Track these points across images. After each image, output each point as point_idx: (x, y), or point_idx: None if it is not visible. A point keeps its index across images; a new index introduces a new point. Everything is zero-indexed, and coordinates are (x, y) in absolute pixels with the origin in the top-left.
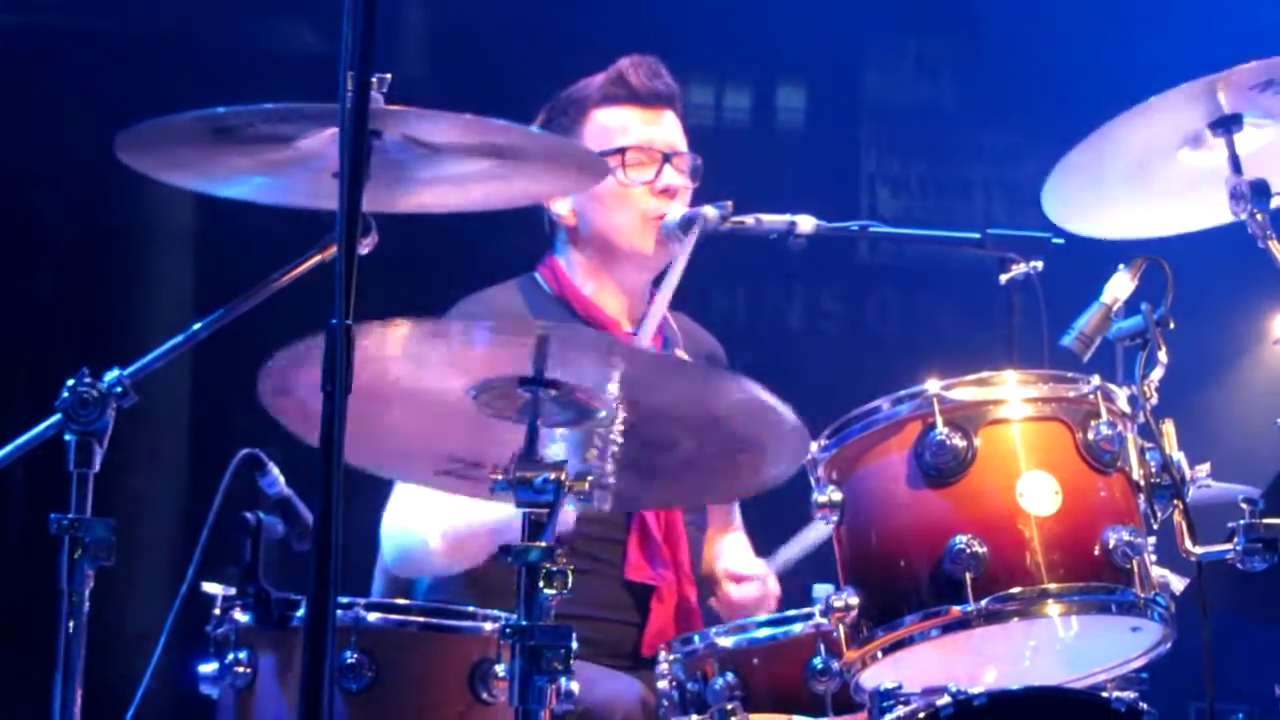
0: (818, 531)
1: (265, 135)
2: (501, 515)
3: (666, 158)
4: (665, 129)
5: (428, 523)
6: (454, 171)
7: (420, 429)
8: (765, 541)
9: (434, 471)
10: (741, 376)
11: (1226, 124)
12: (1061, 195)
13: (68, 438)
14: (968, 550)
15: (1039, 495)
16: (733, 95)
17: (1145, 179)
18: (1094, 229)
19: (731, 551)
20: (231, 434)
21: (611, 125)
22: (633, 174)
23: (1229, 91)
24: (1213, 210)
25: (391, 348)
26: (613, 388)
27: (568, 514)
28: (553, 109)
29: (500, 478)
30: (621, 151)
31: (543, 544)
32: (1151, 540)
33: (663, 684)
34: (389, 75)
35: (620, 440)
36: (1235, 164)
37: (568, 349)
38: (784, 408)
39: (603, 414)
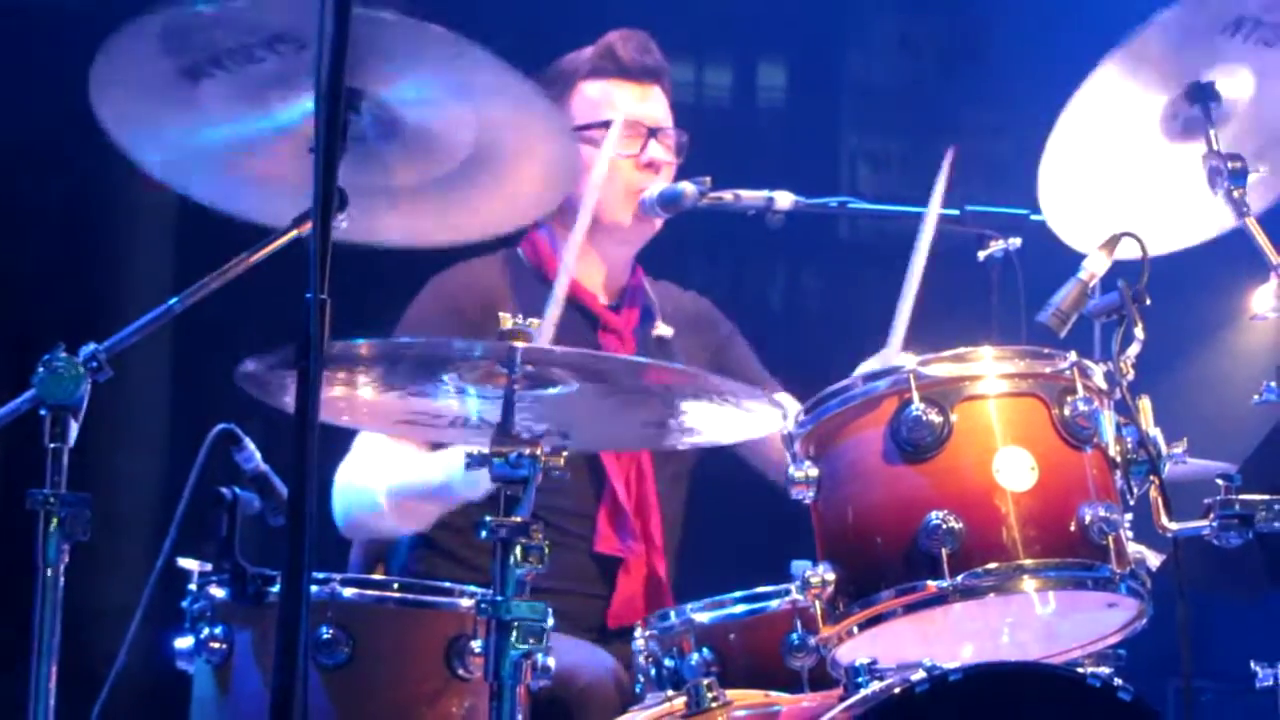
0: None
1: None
2: (446, 470)
3: (651, 132)
4: (651, 104)
5: (376, 481)
6: (431, 175)
7: (386, 391)
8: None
9: (394, 422)
10: (708, 374)
11: (1202, 94)
12: (1058, 202)
13: (43, 413)
14: (944, 526)
15: (1015, 471)
16: (713, 73)
17: (1132, 174)
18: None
19: None
20: (213, 410)
21: (598, 98)
22: (617, 147)
23: (1196, 41)
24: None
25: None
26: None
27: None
28: (540, 81)
29: (475, 452)
30: (606, 124)
31: (517, 519)
32: (1128, 516)
33: (639, 659)
34: None
35: (588, 403)
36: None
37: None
38: (753, 392)
39: (575, 387)
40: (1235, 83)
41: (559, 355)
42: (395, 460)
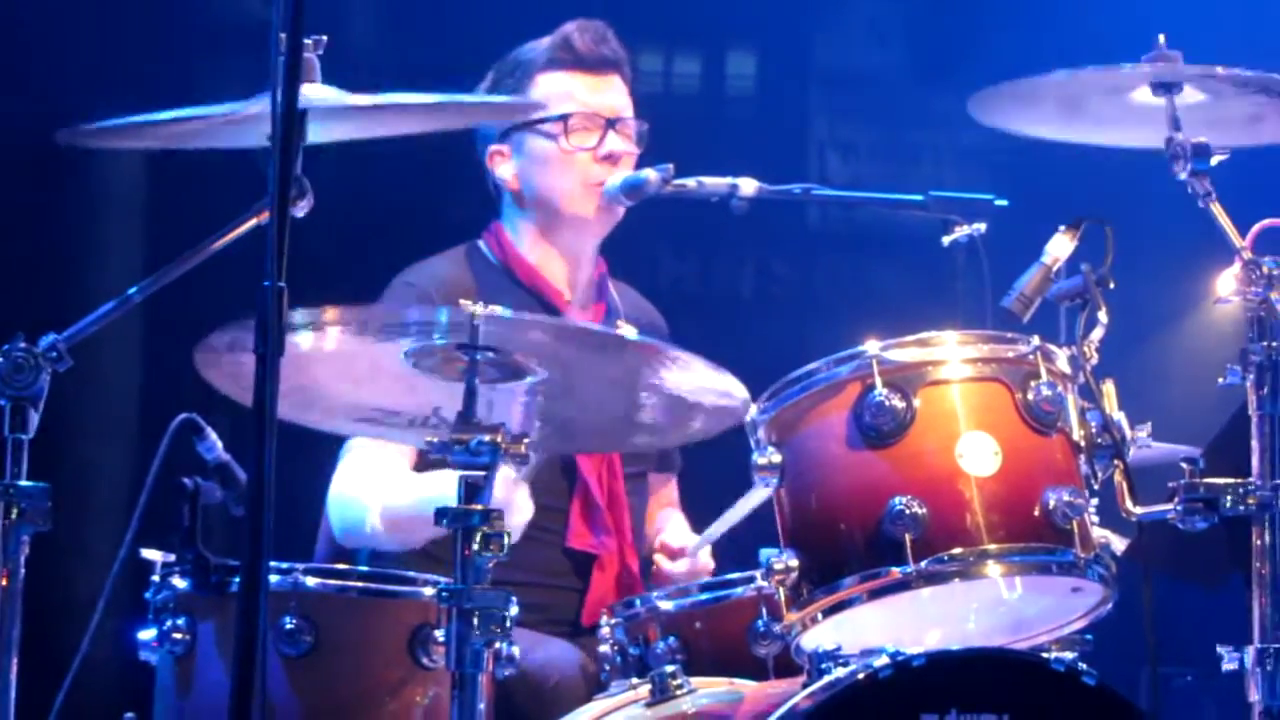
0: (748, 503)
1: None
2: (440, 493)
3: (610, 124)
4: (610, 95)
5: (369, 499)
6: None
7: (344, 383)
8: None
9: (354, 420)
10: (679, 349)
11: (1167, 86)
12: (992, 103)
13: (2, 403)
14: (907, 511)
15: (979, 456)
16: (682, 62)
17: (1083, 106)
18: (1021, 128)
19: (667, 526)
20: (175, 400)
21: (555, 91)
22: (575, 140)
23: (1167, 74)
24: (1150, 135)
25: (325, 342)
26: (549, 356)
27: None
28: (499, 72)
29: (435, 440)
30: (564, 118)
31: (479, 507)
32: (1093, 501)
33: (604, 648)
34: (325, 37)
35: (550, 397)
36: (1175, 124)
37: (504, 326)
38: (721, 374)
39: (538, 376)
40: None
41: (518, 323)
42: (388, 478)
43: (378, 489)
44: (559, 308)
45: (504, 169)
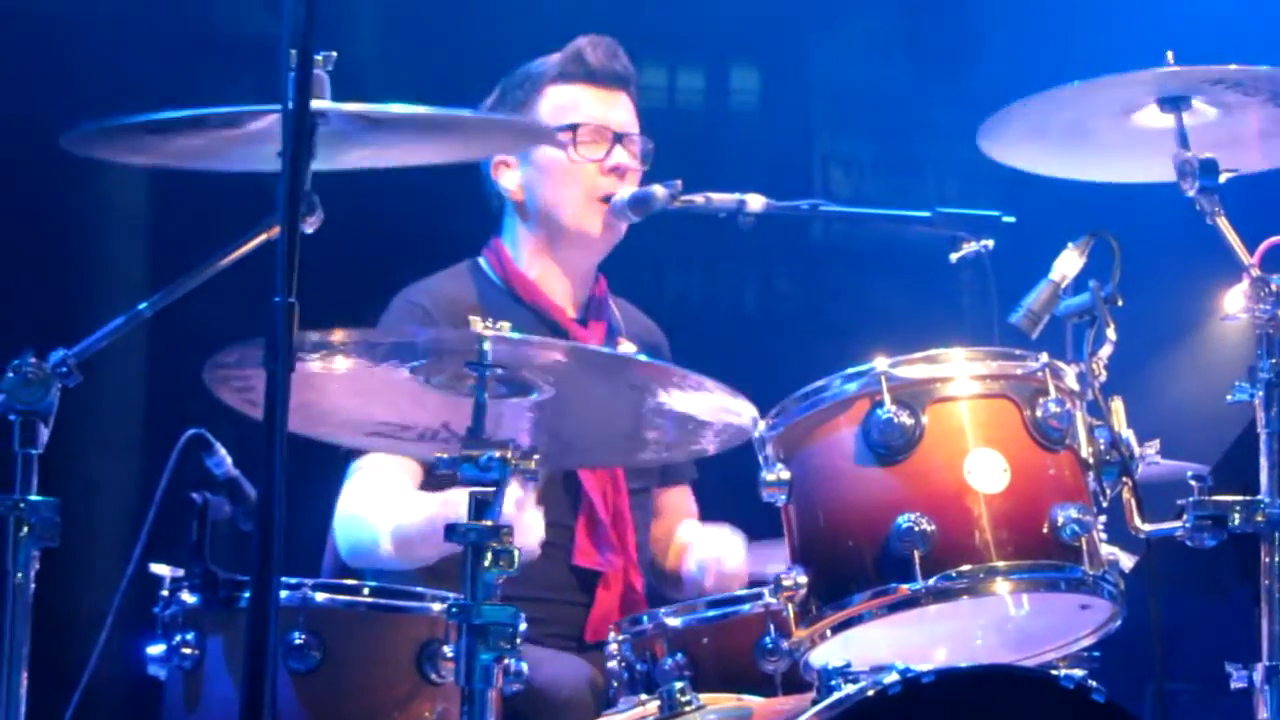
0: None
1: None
2: (453, 516)
3: (618, 138)
4: (619, 110)
5: (380, 520)
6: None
7: (355, 398)
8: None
9: (365, 434)
10: (685, 370)
11: (1175, 102)
12: (1001, 135)
13: (12, 418)
14: (915, 528)
15: (987, 473)
16: (685, 76)
17: (1090, 134)
18: (1032, 166)
19: (702, 538)
20: (184, 414)
21: (565, 102)
22: (584, 151)
23: (1178, 82)
24: (1156, 167)
25: (334, 366)
26: (556, 374)
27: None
28: (507, 84)
29: (445, 455)
30: (574, 128)
31: (488, 523)
32: (1101, 518)
33: (612, 664)
34: (334, 53)
35: (557, 412)
36: (1183, 140)
37: (513, 346)
38: (728, 393)
39: (546, 393)
40: (1207, 105)
41: (524, 343)
42: (397, 499)
43: (387, 510)
44: (561, 324)
45: (508, 178)
